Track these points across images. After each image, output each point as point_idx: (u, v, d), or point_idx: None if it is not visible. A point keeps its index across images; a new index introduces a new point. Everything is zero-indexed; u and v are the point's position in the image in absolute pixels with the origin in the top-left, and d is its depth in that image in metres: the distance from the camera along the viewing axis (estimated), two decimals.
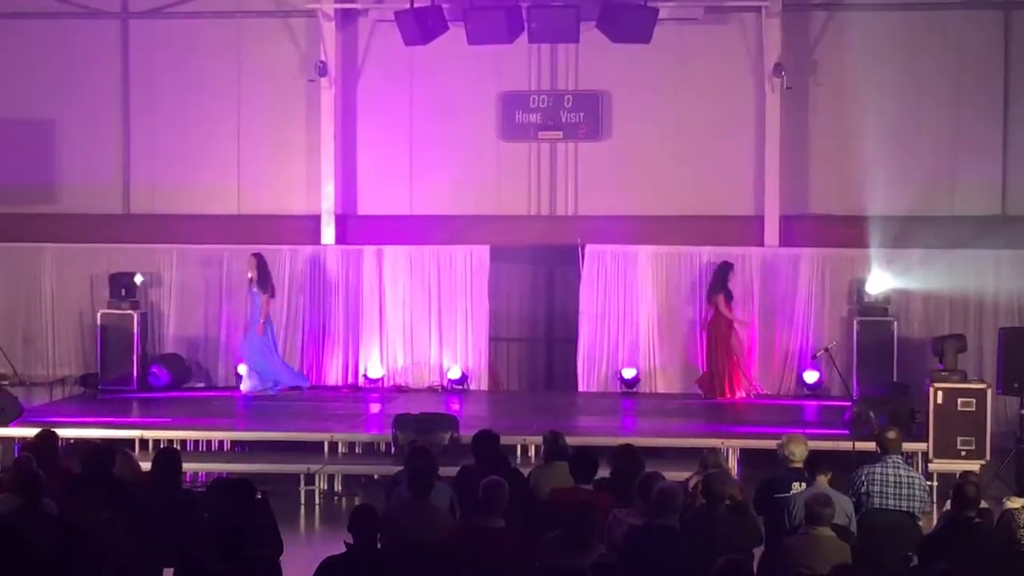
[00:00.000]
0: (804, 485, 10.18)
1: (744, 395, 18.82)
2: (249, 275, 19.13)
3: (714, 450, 11.22)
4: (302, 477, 15.18)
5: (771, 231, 19.61)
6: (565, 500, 9.34)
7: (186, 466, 13.05)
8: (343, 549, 8.50)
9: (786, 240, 19.65)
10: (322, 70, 19.87)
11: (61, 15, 20.66)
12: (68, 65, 20.67)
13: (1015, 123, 19.48)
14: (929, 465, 15.01)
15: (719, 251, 19.46)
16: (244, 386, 19.14)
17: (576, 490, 10.01)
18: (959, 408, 15.10)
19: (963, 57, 19.57)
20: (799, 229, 19.76)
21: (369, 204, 20.68)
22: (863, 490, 10.46)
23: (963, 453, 14.97)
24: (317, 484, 15.24)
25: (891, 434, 10.87)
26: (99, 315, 19.71)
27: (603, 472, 10.92)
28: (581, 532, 8.66)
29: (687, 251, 19.58)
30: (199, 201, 20.51)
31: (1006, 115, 19.52)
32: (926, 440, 15.13)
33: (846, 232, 19.46)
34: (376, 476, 15.34)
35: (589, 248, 19.70)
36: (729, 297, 18.82)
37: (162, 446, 14.12)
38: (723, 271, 18.89)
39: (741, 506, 9.76)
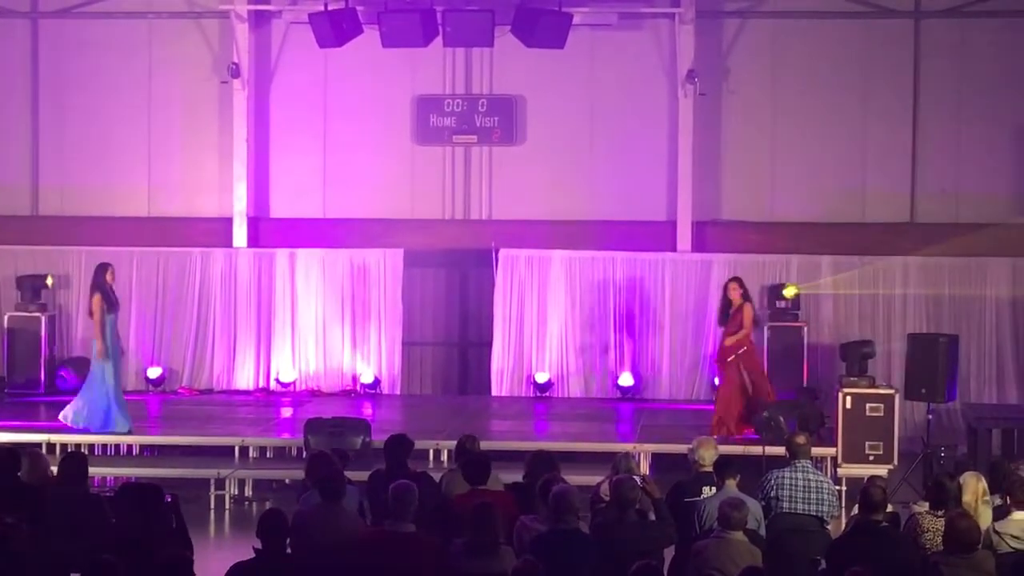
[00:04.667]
0: (714, 489, 10.23)
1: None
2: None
3: (626, 454, 11.22)
4: (212, 481, 15.04)
5: (683, 237, 19.72)
6: (466, 504, 9.32)
7: (94, 470, 12.94)
8: (253, 554, 8.44)
9: (698, 246, 19.76)
10: (235, 72, 19.73)
11: None
12: None
13: (924, 131, 19.74)
14: (838, 470, 15.15)
15: (632, 256, 19.56)
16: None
17: (474, 493, 9.99)
18: (867, 413, 15.25)
19: (873, 66, 19.79)
20: (711, 235, 19.89)
21: (282, 207, 20.56)
22: (772, 494, 10.52)
23: (871, 458, 15.11)
24: (227, 489, 15.10)
25: (800, 439, 10.94)
26: (6, 318, 19.47)
27: (515, 476, 10.96)
28: (485, 535, 8.64)
29: (600, 256, 19.65)
30: (109, 203, 20.30)
31: (915, 123, 19.76)
32: (835, 445, 15.28)
33: (757, 238, 19.66)
34: (287, 481, 15.24)
35: (503, 252, 19.71)
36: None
37: (70, 450, 13.97)
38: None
39: (658, 505, 9.78)
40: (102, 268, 16.03)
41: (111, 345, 15.80)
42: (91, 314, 15.86)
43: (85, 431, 15.84)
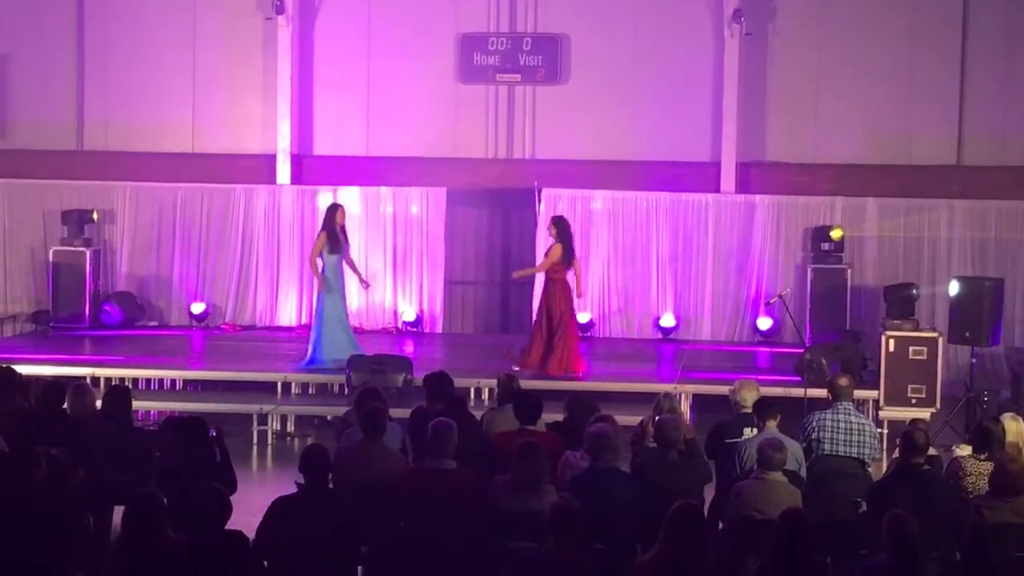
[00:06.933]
0: (755, 430, 10.23)
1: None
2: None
3: (668, 395, 11.22)
4: (255, 417, 15.12)
5: (727, 177, 19.62)
6: (510, 443, 9.33)
7: (138, 404, 13.02)
8: (295, 489, 8.49)
9: (742, 187, 19.67)
10: (279, 8, 19.69)
11: None
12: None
13: (971, 72, 19.53)
14: (880, 412, 15.12)
15: (675, 197, 19.48)
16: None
17: (520, 432, 10.01)
18: (910, 356, 15.20)
19: (921, 6, 19.57)
20: (755, 176, 19.79)
21: (325, 144, 20.57)
22: (814, 436, 10.50)
23: (914, 401, 15.07)
24: (270, 424, 15.19)
25: (842, 381, 10.92)
26: (51, 252, 19.58)
27: (556, 416, 10.97)
28: (529, 474, 8.66)
29: (643, 196, 19.58)
30: (153, 139, 20.36)
31: (963, 64, 19.55)
32: (877, 388, 15.24)
33: (802, 180, 19.54)
34: (329, 417, 15.29)
35: (545, 192, 19.64)
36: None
37: (113, 384, 14.07)
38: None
39: (691, 445, 9.79)
40: (332, 209, 16.16)
41: (331, 282, 15.90)
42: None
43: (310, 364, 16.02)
